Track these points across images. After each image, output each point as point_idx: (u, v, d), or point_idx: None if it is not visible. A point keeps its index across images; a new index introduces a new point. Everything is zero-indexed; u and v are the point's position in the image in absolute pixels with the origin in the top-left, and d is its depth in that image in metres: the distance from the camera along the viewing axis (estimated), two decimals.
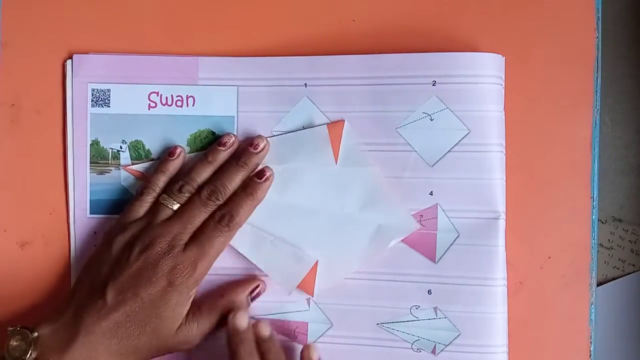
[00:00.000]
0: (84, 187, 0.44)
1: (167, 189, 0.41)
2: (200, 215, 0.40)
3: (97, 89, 0.44)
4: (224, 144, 0.42)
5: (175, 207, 0.40)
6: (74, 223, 0.43)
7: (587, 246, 0.43)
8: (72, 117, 0.44)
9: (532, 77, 0.43)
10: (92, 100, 0.44)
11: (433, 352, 0.42)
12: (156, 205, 0.41)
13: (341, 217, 0.42)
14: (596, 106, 0.43)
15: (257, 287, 0.42)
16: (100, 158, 0.44)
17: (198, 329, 0.39)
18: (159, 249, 0.38)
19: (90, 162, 0.44)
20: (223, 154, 0.42)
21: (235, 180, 0.41)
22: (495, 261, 0.41)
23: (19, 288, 0.44)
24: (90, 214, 0.43)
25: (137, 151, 0.44)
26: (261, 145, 0.41)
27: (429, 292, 0.42)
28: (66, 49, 0.44)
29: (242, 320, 0.40)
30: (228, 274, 0.43)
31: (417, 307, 0.42)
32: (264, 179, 0.41)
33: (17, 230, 0.44)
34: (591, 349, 0.42)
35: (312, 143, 0.42)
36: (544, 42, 0.43)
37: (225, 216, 0.40)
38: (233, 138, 0.42)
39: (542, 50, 0.43)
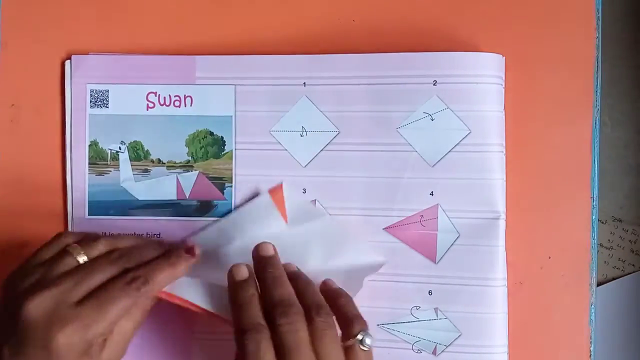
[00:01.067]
0: (82, 188, 0.43)
1: (83, 240, 0.36)
2: (101, 274, 0.34)
3: (96, 90, 0.43)
4: (193, 254, 0.37)
5: (82, 259, 0.35)
6: (73, 224, 0.43)
7: (587, 246, 0.43)
8: (70, 118, 0.44)
9: (532, 77, 0.43)
10: (90, 101, 0.43)
11: (434, 352, 0.42)
12: (62, 252, 0.35)
13: (309, 275, 0.40)
14: (596, 106, 0.43)
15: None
16: (99, 159, 0.44)
17: (122, 341, 0.35)
18: (44, 306, 0.33)
19: (89, 163, 0.44)
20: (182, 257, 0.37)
21: (152, 259, 0.36)
22: (496, 261, 0.41)
23: None
24: (89, 215, 0.43)
25: (137, 152, 0.43)
26: (197, 252, 0.37)
27: (430, 292, 0.42)
28: (65, 50, 0.44)
29: (268, 248, 0.37)
30: None
31: (418, 307, 0.42)
32: (192, 254, 0.37)
33: (17, 230, 0.44)
34: (591, 349, 0.42)
35: (259, 213, 0.42)
36: (544, 42, 0.43)
37: (139, 278, 0.34)
38: (198, 251, 0.38)
39: (542, 50, 0.43)
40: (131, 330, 0.36)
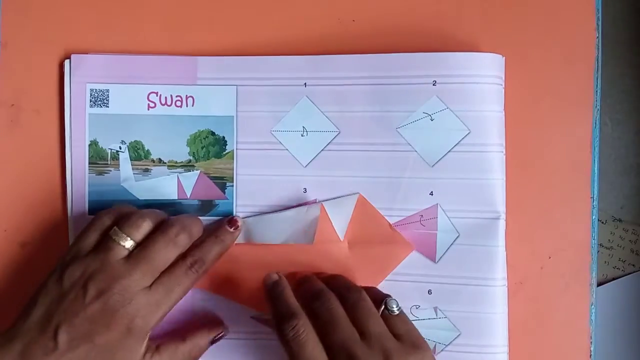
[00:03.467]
0: (82, 187, 0.43)
1: (122, 221, 0.38)
2: (164, 259, 0.38)
3: (96, 89, 0.43)
4: (235, 226, 0.41)
5: (129, 244, 0.37)
6: (73, 223, 0.43)
7: (587, 246, 0.43)
8: (70, 118, 0.44)
9: (532, 77, 0.43)
10: (90, 101, 0.44)
11: (433, 351, 0.42)
12: (106, 239, 0.38)
13: None
14: (596, 106, 0.43)
15: (220, 332, 0.41)
16: (99, 158, 0.44)
17: None
18: (118, 296, 0.36)
19: (89, 163, 0.44)
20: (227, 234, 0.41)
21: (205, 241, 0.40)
22: (495, 261, 0.41)
23: (19, 288, 0.44)
24: (89, 214, 0.43)
25: (137, 152, 0.44)
26: (239, 223, 0.42)
27: (429, 292, 0.42)
28: (65, 49, 0.44)
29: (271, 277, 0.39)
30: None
31: (418, 306, 0.42)
32: (233, 227, 0.41)
33: (17, 230, 0.44)
34: (591, 349, 0.42)
35: (303, 221, 0.42)
36: (544, 42, 0.43)
37: (197, 262, 0.38)
38: (240, 222, 0.42)
39: (542, 50, 0.43)
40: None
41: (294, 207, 0.42)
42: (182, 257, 0.39)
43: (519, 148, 0.43)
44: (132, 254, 0.37)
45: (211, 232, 0.41)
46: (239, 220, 0.41)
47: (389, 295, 0.38)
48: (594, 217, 0.43)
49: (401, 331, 0.36)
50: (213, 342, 0.41)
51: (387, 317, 0.37)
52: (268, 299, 0.38)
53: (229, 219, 0.41)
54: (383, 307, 0.37)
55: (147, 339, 0.37)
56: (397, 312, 0.37)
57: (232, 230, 0.41)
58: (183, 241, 0.38)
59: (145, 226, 0.38)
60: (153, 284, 0.37)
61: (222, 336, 0.42)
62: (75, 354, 0.35)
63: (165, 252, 0.38)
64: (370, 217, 0.42)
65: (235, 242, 0.42)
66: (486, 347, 0.41)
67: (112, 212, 0.39)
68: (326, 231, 0.42)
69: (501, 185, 0.42)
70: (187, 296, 0.42)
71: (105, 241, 0.38)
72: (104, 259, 0.37)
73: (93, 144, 0.44)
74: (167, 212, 0.43)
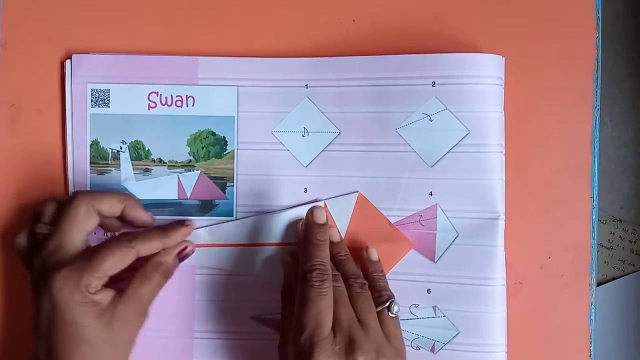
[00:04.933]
0: (83, 187, 0.44)
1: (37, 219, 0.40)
2: (69, 215, 0.38)
3: (97, 89, 0.44)
4: (184, 225, 0.42)
5: (45, 227, 0.39)
6: None
7: (587, 246, 0.43)
8: (71, 118, 0.44)
9: (532, 77, 0.43)
10: (91, 101, 0.44)
11: (432, 350, 0.42)
12: (37, 237, 0.39)
13: None
14: (596, 106, 0.43)
15: (185, 248, 0.41)
16: (100, 158, 0.44)
17: (137, 301, 0.38)
18: (38, 274, 0.37)
19: (90, 163, 0.44)
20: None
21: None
22: (494, 261, 0.41)
23: (19, 288, 0.44)
24: None
25: (137, 151, 0.44)
26: (189, 224, 0.42)
27: (429, 291, 0.42)
28: (66, 49, 0.44)
29: (322, 216, 0.41)
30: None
31: (417, 305, 0.42)
32: (183, 226, 0.41)
33: (18, 230, 0.44)
34: (591, 349, 0.42)
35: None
36: (544, 42, 0.43)
37: (132, 234, 0.39)
38: (191, 225, 0.42)
39: (542, 50, 0.43)
40: (147, 294, 0.39)
41: (295, 207, 0.43)
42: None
43: (519, 148, 0.43)
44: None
45: (162, 227, 0.41)
46: (190, 223, 0.42)
47: (393, 297, 0.39)
48: (593, 217, 0.43)
49: (391, 333, 0.37)
50: (181, 258, 0.41)
51: (384, 316, 0.38)
52: (306, 237, 0.39)
53: (181, 220, 0.42)
54: (386, 305, 0.38)
55: (98, 305, 0.36)
56: (394, 316, 0.38)
57: (180, 227, 0.41)
58: (78, 196, 0.39)
59: (49, 207, 0.40)
60: (82, 251, 0.38)
61: (189, 251, 0.41)
62: (56, 347, 0.36)
63: (67, 212, 0.38)
64: (370, 215, 0.42)
65: (236, 242, 0.42)
66: (485, 346, 0.41)
67: (23, 230, 0.41)
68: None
69: (501, 185, 0.42)
70: (187, 293, 0.42)
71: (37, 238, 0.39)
72: (38, 253, 0.38)
73: (94, 144, 0.44)
74: (167, 212, 0.44)
